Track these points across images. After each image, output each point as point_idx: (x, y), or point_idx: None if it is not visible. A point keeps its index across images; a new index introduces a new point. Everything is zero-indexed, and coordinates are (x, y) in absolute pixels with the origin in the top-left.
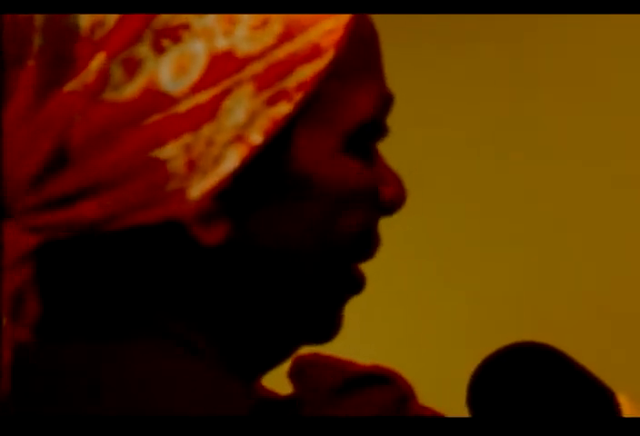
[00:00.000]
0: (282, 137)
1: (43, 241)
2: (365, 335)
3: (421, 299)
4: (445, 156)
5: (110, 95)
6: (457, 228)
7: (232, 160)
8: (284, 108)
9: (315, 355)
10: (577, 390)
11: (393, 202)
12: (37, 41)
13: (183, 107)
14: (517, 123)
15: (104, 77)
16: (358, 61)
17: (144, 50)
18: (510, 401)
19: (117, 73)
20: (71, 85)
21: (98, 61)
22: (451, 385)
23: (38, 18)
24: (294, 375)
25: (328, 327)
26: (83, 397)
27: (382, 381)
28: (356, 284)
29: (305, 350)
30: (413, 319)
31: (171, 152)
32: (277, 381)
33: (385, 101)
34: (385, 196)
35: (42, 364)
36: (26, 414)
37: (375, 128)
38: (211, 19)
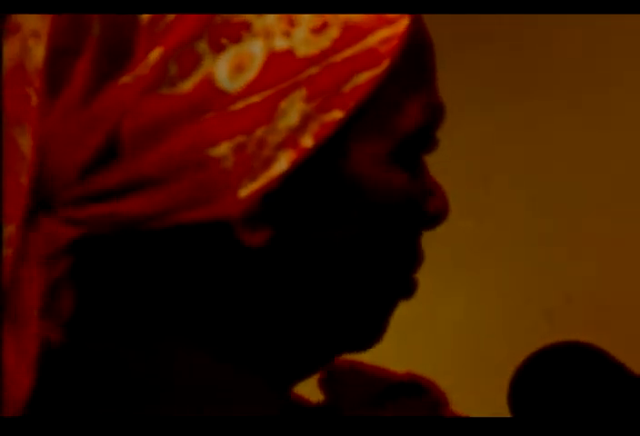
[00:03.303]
0: (333, 143)
1: (82, 235)
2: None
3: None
4: (446, 158)
5: (165, 90)
6: (458, 231)
7: (282, 162)
8: (336, 114)
9: (348, 362)
10: (620, 389)
11: (436, 214)
12: (95, 31)
13: (238, 106)
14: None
15: (160, 72)
16: (412, 70)
17: (202, 47)
18: (552, 399)
19: (174, 68)
20: (126, 78)
21: (155, 55)
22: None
23: None
24: (326, 382)
25: (373, 333)
26: (109, 400)
27: (416, 389)
28: (400, 291)
29: None
30: (412, 322)
31: (223, 151)
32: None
33: (436, 111)
34: (429, 208)
35: (71, 364)
36: (49, 414)
37: (424, 138)
38: (271, 19)
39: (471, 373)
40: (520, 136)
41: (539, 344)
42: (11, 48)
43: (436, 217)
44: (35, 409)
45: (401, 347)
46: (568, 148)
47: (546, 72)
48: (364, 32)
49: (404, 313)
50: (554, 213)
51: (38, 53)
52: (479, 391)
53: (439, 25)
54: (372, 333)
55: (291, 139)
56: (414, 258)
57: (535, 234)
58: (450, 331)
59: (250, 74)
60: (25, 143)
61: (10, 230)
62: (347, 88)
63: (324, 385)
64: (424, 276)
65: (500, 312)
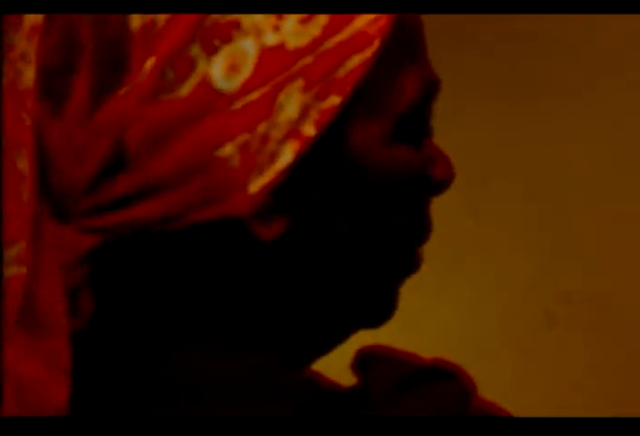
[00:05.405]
0: (334, 128)
1: (100, 241)
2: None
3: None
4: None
5: (164, 96)
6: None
7: (287, 154)
8: (334, 100)
9: (379, 347)
10: None
11: (440, 181)
12: (88, 46)
13: (237, 105)
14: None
15: (157, 79)
16: (402, 47)
17: (195, 50)
18: None
19: (170, 74)
20: (126, 88)
21: (150, 63)
22: None
23: (88, 23)
24: (357, 367)
25: (385, 309)
26: (142, 398)
27: (445, 374)
28: (412, 265)
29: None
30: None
31: (229, 151)
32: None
33: (431, 85)
34: (434, 175)
35: (101, 361)
36: (85, 409)
37: (423, 111)
38: (259, 15)
39: (471, 373)
40: (519, 136)
41: (539, 344)
42: (5, 70)
43: (442, 183)
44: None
45: (399, 347)
46: (568, 148)
47: (546, 72)
48: (351, 15)
49: (402, 313)
50: (553, 212)
51: (28, 74)
52: (479, 391)
53: (439, 26)
54: (382, 309)
55: (293, 130)
56: (424, 228)
57: (535, 234)
58: (450, 331)
59: (245, 73)
60: (24, 163)
61: (17, 249)
62: (342, 73)
63: (355, 369)
64: (423, 276)
65: (500, 312)
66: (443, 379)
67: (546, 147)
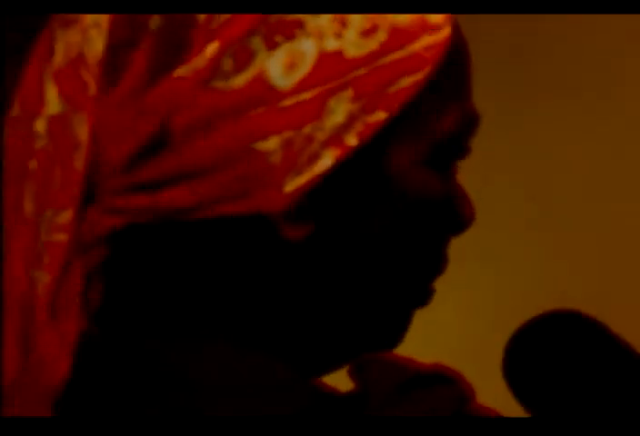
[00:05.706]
0: (374, 143)
1: (123, 224)
2: None
3: None
4: None
5: (219, 84)
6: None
7: (327, 159)
8: (380, 115)
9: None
10: (613, 357)
11: (465, 220)
12: (153, 24)
13: (288, 102)
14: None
15: (215, 65)
16: (451, 78)
17: (256, 43)
18: (547, 370)
19: (228, 62)
20: (181, 71)
21: (212, 48)
22: None
23: None
24: (355, 372)
25: (395, 335)
26: (142, 397)
27: (443, 380)
28: (423, 297)
29: None
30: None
31: (272, 145)
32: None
33: (472, 120)
34: (460, 212)
35: (106, 356)
36: (84, 406)
37: (458, 146)
38: (324, 19)
39: (470, 375)
40: (519, 136)
41: None
42: (70, 39)
43: (466, 222)
44: (63, 400)
45: (398, 349)
46: (568, 148)
47: (546, 72)
48: (410, 37)
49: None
50: (553, 213)
51: (99, 43)
52: (479, 393)
53: None
54: (391, 335)
55: (336, 137)
56: (440, 263)
57: (535, 234)
58: (449, 332)
59: (301, 72)
60: (82, 130)
61: (66, 216)
62: (392, 90)
63: (353, 374)
64: None
65: (499, 313)
66: (441, 384)
67: (546, 147)
